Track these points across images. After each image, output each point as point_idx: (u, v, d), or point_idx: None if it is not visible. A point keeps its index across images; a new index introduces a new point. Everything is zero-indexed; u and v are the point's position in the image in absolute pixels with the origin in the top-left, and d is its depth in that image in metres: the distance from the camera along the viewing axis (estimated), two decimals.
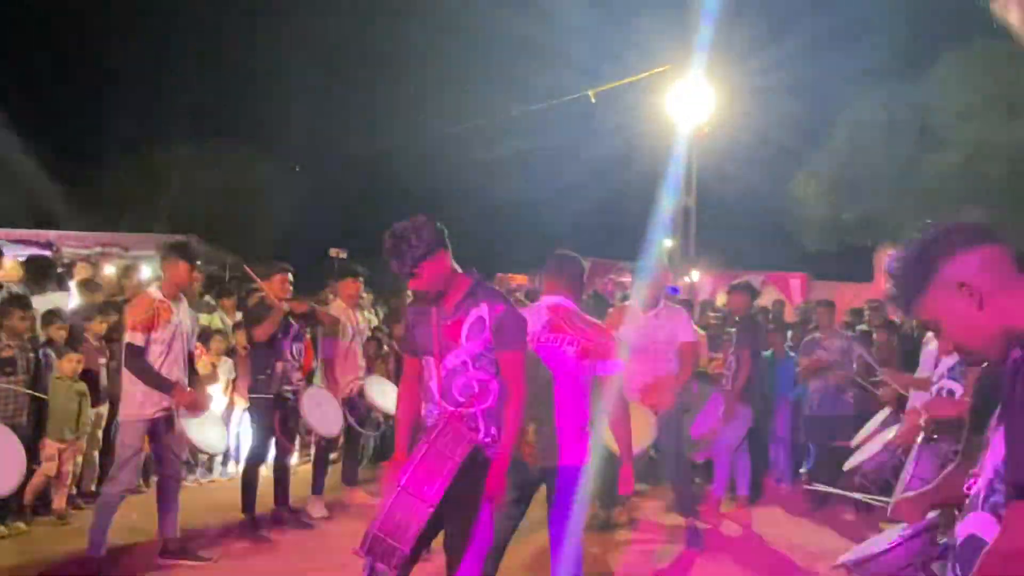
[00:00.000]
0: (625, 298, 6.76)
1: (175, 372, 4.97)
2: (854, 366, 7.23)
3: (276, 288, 6.00)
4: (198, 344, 7.23)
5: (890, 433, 4.55)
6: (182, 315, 5.10)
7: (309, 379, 6.59)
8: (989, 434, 1.62)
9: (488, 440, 3.30)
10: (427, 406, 3.45)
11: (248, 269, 6.78)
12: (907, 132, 17.56)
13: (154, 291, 5.07)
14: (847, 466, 4.75)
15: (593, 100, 14.51)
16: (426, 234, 3.22)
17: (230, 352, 7.53)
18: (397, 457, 3.41)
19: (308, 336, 6.72)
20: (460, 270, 3.39)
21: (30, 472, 5.48)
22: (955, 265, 1.65)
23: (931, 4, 16.23)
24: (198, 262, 5.29)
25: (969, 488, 1.66)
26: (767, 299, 11.66)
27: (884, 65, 17.64)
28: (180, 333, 5.04)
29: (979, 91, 16.65)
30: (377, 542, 2.97)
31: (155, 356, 4.90)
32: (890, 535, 2.37)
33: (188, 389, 5.05)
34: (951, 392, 4.40)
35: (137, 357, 4.84)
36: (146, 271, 10.35)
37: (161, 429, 5.00)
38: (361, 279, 6.79)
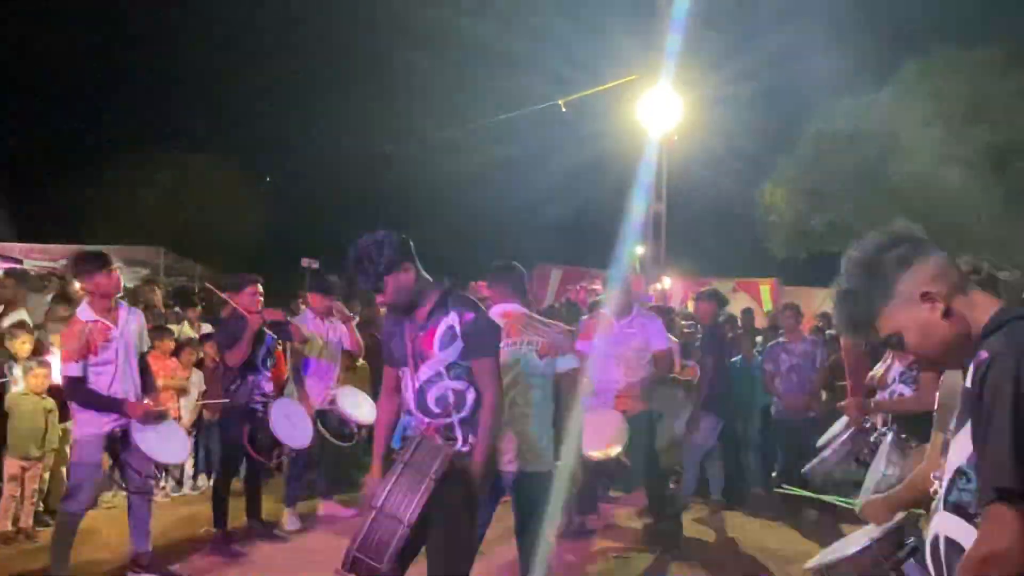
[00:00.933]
0: (596, 305, 6.78)
1: (128, 387, 4.80)
2: (816, 367, 7.28)
3: (246, 300, 5.90)
4: (171, 357, 7.14)
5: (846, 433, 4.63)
6: (122, 325, 4.82)
7: (281, 390, 6.51)
8: (949, 435, 1.64)
9: (467, 449, 3.26)
10: (405, 417, 3.44)
11: (213, 286, 6.65)
12: (871, 140, 17.84)
13: (84, 312, 4.76)
14: (807, 468, 4.81)
15: (563, 109, 14.59)
16: (387, 249, 3.19)
17: (199, 364, 7.43)
18: (373, 472, 3.40)
19: (280, 348, 6.64)
20: (430, 280, 3.36)
21: None
22: (912, 277, 1.66)
23: (893, 17, 16.54)
24: (117, 265, 5.01)
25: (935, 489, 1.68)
26: (737, 306, 11.74)
27: (848, 75, 17.92)
28: (125, 344, 4.81)
29: (940, 100, 16.96)
30: (357, 562, 2.97)
31: (104, 377, 4.70)
32: (859, 537, 2.39)
33: (140, 401, 4.85)
34: (901, 395, 4.52)
35: (77, 387, 4.65)
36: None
37: (119, 443, 4.82)
38: (331, 294, 6.69)
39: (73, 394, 4.73)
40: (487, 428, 3.27)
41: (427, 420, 3.30)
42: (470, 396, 3.29)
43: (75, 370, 4.62)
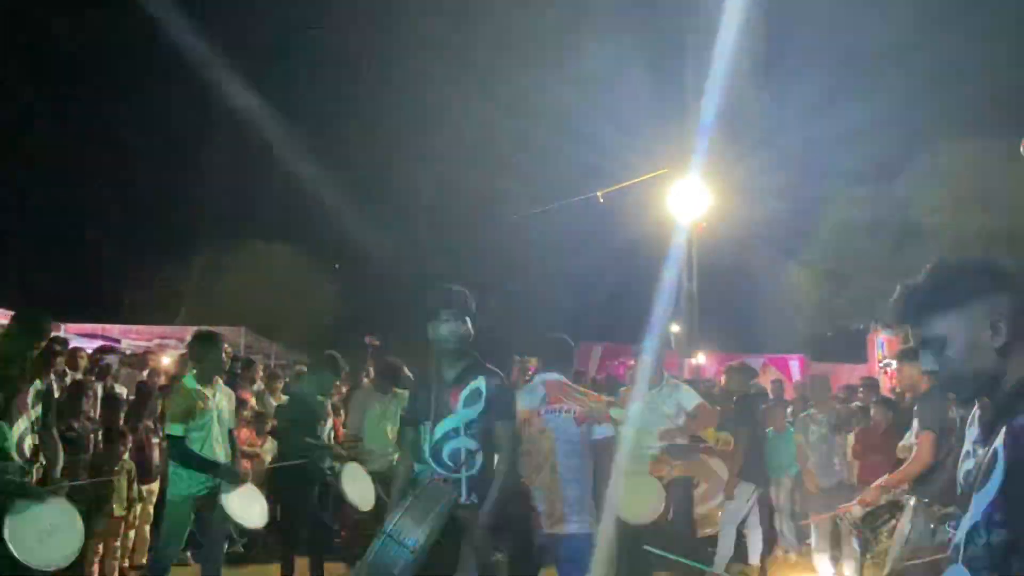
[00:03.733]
0: (631, 378, 6.70)
1: (218, 452, 4.91)
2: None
3: None
4: (248, 427, 7.24)
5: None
6: (218, 398, 5.01)
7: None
8: (975, 488, 1.54)
9: (467, 503, 3.31)
10: (418, 466, 3.48)
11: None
12: (889, 226, 17.69)
13: (189, 381, 4.99)
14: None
15: (601, 199, 14.79)
16: (474, 304, 3.48)
17: (273, 432, 7.50)
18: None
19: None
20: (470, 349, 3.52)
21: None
22: (993, 303, 1.55)
23: (906, 112, 16.59)
24: (227, 346, 5.26)
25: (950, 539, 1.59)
26: (766, 380, 11.48)
27: (866, 166, 17.91)
28: (218, 415, 4.96)
29: (953, 187, 16.82)
30: None
31: (199, 441, 4.83)
32: None
33: (231, 466, 4.99)
34: None
35: (179, 446, 4.79)
36: None
37: (206, 505, 4.93)
38: (396, 374, 6.83)
39: (175, 452, 4.85)
40: (499, 482, 3.33)
41: (438, 470, 3.36)
42: (479, 458, 3.37)
43: (179, 429, 4.77)
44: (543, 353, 4.22)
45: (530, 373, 10.80)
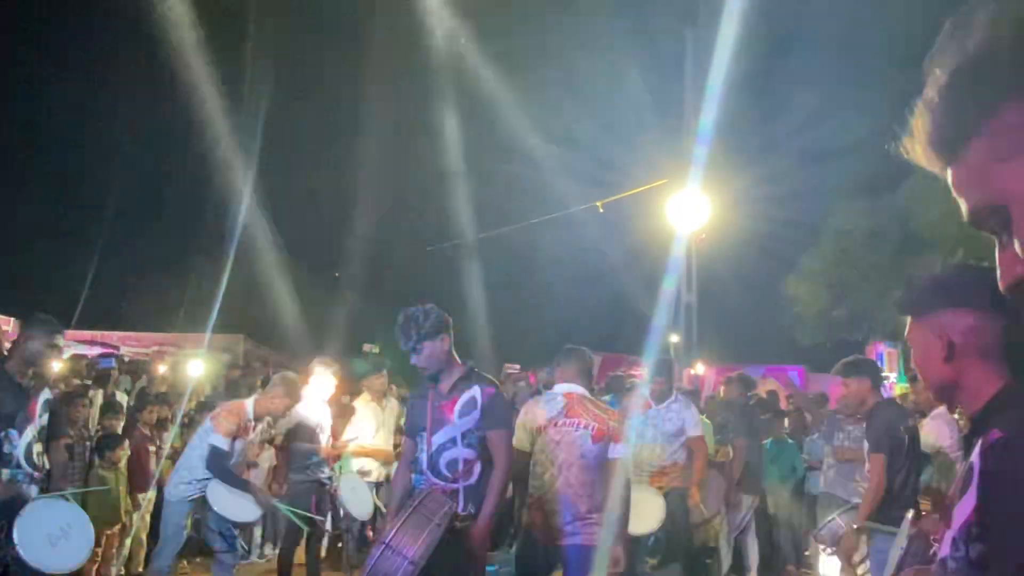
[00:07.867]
0: (633, 388, 6.70)
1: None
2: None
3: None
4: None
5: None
6: (253, 435, 5.26)
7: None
8: (955, 501, 1.55)
9: (465, 514, 3.31)
10: (415, 476, 3.48)
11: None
12: (889, 237, 17.70)
13: (249, 407, 5.12)
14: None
15: (601, 209, 14.83)
16: (432, 317, 3.37)
17: (271, 440, 7.49)
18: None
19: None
20: (457, 358, 3.48)
21: None
22: (949, 316, 1.53)
23: (906, 124, 16.62)
24: (226, 356, 5.37)
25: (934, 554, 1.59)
26: (764, 389, 11.48)
27: (865, 177, 17.94)
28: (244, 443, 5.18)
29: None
30: None
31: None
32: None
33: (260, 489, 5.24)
34: None
35: (221, 460, 4.88)
36: (194, 367, 10.30)
37: (201, 509, 5.03)
38: (384, 374, 6.89)
39: (215, 465, 4.89)
40: (495, 490, 3.33)
41: (436, 481, 3.36)
42: (477, 468, 3.37)
43: (225, 444, 4.88)
44: (564, 365, 4.19)
45: (530, 383, 10.80)
